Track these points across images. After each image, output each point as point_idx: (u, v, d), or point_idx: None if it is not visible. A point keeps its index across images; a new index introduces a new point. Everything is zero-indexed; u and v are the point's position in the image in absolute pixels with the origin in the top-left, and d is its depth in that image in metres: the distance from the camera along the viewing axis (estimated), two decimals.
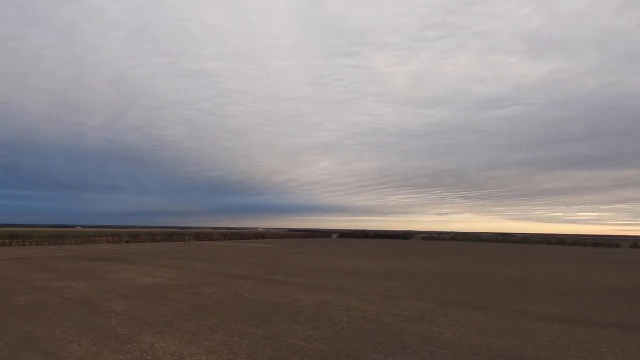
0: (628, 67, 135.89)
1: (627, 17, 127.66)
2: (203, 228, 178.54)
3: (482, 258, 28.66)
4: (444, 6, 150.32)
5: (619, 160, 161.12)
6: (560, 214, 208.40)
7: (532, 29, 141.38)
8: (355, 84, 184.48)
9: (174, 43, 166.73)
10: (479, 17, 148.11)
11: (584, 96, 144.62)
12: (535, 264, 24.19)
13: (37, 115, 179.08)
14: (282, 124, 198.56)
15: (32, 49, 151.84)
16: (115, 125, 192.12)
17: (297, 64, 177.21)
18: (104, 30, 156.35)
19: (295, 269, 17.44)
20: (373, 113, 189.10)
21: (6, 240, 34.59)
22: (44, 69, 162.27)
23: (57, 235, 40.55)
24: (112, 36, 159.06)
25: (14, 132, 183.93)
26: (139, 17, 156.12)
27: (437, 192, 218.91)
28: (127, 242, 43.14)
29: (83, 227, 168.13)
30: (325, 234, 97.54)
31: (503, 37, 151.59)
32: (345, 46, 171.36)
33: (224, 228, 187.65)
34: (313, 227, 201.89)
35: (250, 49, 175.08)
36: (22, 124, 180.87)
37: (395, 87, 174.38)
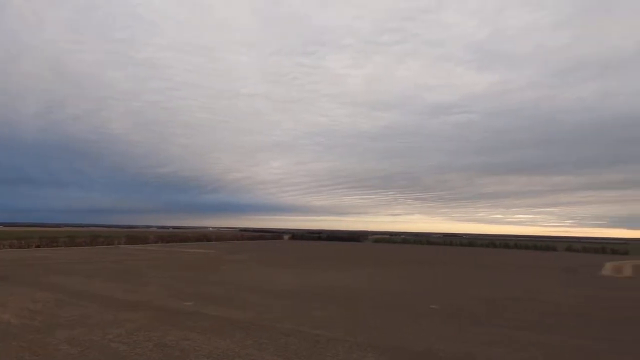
0: (564, 82, 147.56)
1: (562, 34, 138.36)
2: (149, 227, 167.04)
3: (438, 269, 27.28)
4: (400, 12, 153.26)
5: (552, 167, 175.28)
6: (500, 216, 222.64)
7: (479, 40, 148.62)
8: (312, 83, 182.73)
9: (122, 29, 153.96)
10: (432, 25, 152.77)
11: (524, 107, 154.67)
12: (496, 276, 22.98)
13: None
14: (239, 121, 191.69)
15: None
16: (54, 114, 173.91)
17: (255, 60, 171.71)
18: (41, 6, 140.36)
19: (218, 288, 14.29)
20: (329, 114, 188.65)
21: None
22: None
23: None
24: (52, 15, 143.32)
25: None
26: None
27: (389, 193, 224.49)
28: (37, 246, 36.92)
29: (6, 225, 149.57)
30: (277, 235, 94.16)
31: (453, 46, 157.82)
32: (303, 45, 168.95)
33: (171, 227, 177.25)
34: (268, 226, 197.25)
35: (206, 41, 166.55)
36: None
37: (350, 89, 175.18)
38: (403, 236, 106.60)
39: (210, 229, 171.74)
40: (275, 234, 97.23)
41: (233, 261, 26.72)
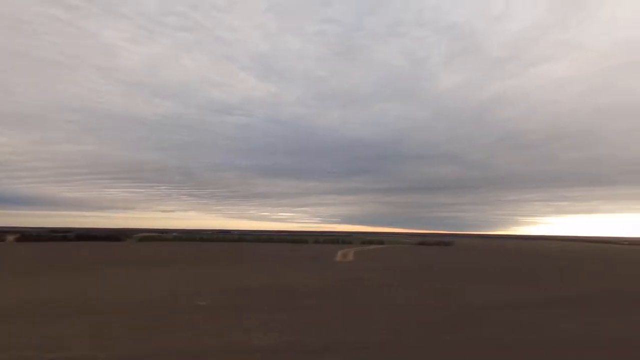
0: (320, 105, 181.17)
1: (323, 67, 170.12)
2: None
3: (206, 266, 27.31)
4: None
5: (307, 173, 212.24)
6: (267, 214, 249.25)
7: (261, 52, 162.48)
8: (75, 47, 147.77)
9: None
10: (221, 23, 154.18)
11: (293, 120, 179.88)
12: (258, 267, 25.01)
13: None
14: None
15: None
16: None
17: None
18: None
19: None
20: (97, 88, 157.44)
21: None
22: None
23: None
24: None
25: None
26: None
27: (163, 187, 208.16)
28: None
29: None
30: None
31: (238, 50, 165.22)
32: None
33: None
34: None
35: None
36: None
37: (127, 66, 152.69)
38: (175, 234, 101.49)
39: None
40: None
41: None
